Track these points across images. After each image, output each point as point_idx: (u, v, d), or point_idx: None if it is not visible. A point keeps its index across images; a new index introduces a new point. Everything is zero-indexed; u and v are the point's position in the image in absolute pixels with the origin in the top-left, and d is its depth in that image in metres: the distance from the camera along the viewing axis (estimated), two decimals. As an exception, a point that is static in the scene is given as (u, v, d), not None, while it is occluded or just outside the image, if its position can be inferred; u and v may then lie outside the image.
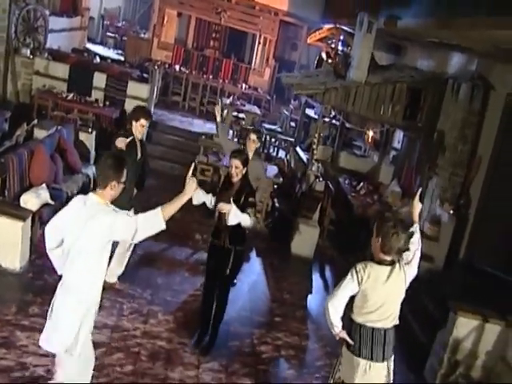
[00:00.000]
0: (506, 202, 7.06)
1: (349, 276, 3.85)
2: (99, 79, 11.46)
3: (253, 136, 6.45)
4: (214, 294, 5.30)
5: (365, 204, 9.24)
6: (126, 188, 5.22)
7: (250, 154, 6.17)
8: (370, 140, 11.37)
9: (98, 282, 3.74)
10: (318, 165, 9.58)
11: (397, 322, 4.01)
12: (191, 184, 3.73)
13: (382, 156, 11.17)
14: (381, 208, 8.91)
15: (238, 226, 5.02)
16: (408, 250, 3.86)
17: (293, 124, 13.92)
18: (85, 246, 3.57)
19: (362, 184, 10.13)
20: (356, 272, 3.83)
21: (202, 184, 9.61)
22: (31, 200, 6.21)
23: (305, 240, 8.19)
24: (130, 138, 5.61)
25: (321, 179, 9.03)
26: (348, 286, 3.85)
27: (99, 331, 5.12)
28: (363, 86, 8.41)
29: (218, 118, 6.87)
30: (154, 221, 3.59)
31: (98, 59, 12.83)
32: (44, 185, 6.60)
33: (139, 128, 5.65)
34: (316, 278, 7.87)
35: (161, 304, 5.91)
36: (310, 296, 7.24)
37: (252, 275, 7.09)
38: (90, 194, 3.71)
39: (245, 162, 5.10)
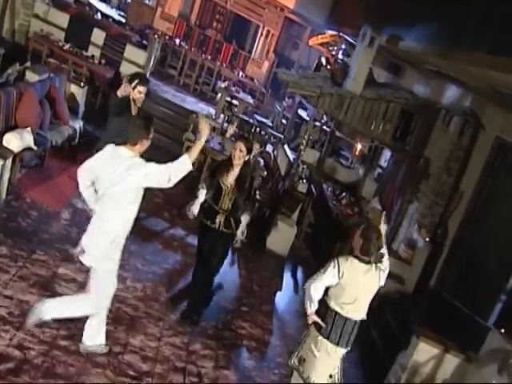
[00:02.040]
0: (481, 240, 7.24)
1: (331, 265, 4.30)
2: (98, 36, 11.40)
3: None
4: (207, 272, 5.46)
5: (345, 214, 9.39)
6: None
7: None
8: (357, 152, 11.55)
9: (129, 224, 4.30)
10: (303, 166, 9.71)
11: (365, 316, 4.48)
12: (205, 124, 4.23)
13: (368, 171, 11.33)
14: (360, 221, 9.08)
15: (236, 211, 5.20)
16: (381, 262, 4.41)
17: (284, 121, 14.00)
18: (121, 192, 4.11)
19: (344, 194, 10.29)
20: (338, 263, 4.29)
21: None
22: (14, 141, 6.12)
23: (281, 237, 8.28)
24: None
25: (304, 181, 9.15)
26: (329, 274, 4.29)
27: (67, 285, 5.14)
28: (357, 98, 8.53)
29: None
30: (183, 165, 4.10)
31: (99, 16, 12.68)
32: (29, 128, 6.51)
33: (137, 95, 5.63)
34: (287, 277, 7.97)
35: (131, 270, 5.91)
36: (278, 293, 7.33)
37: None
38: (122, 148, 4.17)
39: (249, 149, 5.24)
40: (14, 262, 5.06)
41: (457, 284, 7.37)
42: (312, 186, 9.58)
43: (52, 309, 4.27)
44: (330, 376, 4.47)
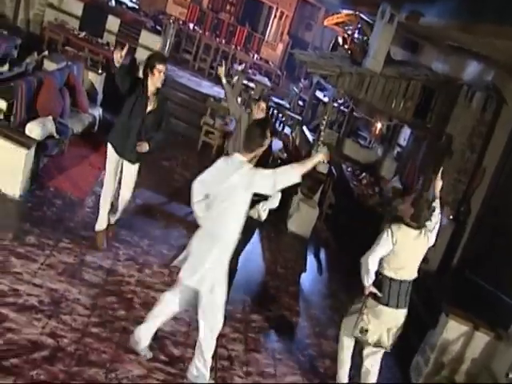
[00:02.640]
0: (504, 216, 7.14)
1: (385, 235, 4.49)
2: (113, 23, 11.30)
3: (262, 104, 6.04)
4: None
5: (365, 194, 9.27)
6: (127, 128, 5.21)
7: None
8: (377, 132, 11.36)
9: (238, 230, 4.13)
10: (324, 147, 9.55)
11: (416, 275, 4.69)
12: (323, 150, 4.30)
13: (387, 150, 11.18)
14: (381, 201, 8.96)
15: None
16: (430, 220, 4.55)
17: (300, 103, 13.84)
18: (233, 200, 4.01)
19: (364, 174, 10.15)
20: (392, 233, 4.48)
21: (205, 146, 9.74)
22: (36, 129, 6.08)
23: (303, 219, 8.20)
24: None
25: (325, 161, 8.99)
26: (384, 244, 4.48)
27: (94, 272, 5.11)
28: (378, 77, 8.40)
29: (224, 80, 6.71)
30: (290, 175, 3.99)
31: (113, 2, 12.54)
32: (50, 117, 6.47)
33: (157, 75, 5.17)
34: (310, 258, 7.91)
35: (157, 256, 5.87)
36: (303, 274, 7.28)
37: (248, 244, 7.10)
38: (236, 155, 4.11)
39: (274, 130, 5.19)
40: (42, 251, 5.03)
41: (480, 262, 7.26)
42: (332, 166, 9.44)
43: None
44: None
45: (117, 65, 5.11)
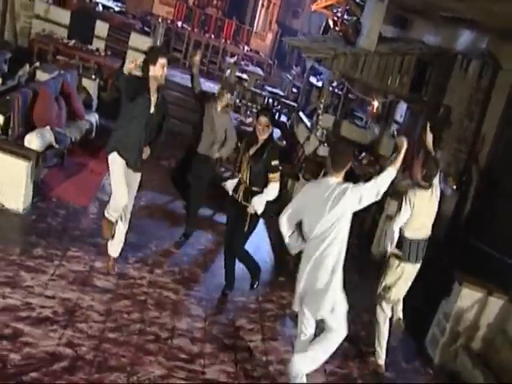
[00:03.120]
0: (505, 182, 7.11)
1: (404, 204, 4.82)
2: (101, 28, 11.14)
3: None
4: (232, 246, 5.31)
5: (367, 174, 9.14)
6: (134, 136, 4.78)
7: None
8: (374, 110, 11.23)
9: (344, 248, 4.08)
10: (323, 130, 9.46)
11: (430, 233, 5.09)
12: (403, 141, 4.14)
13: (384, 128, 11.04)
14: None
15: (255, 185, 5.05)
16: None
17: (294, 90, 13.71)
18: (336, 221, 3.91)
19: (363, 154, 10.03)
20: (409, 199, 4.81)
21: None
22: (36, 140, 6.01)
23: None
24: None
25: (325, 144, 8.91)
26: (405, 211, 4.83)
27: (105, 277, 5.04)
28: (372, 55, 8.30)
29: (195, 71, 5.94)
30: (389, 177, 3.98)
31: (100, 7, 12.42)
32: (48, 127, 6.39)
33: (159, 70, 4.63)
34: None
35: (166, 255, 5.80)
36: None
37: (255, 235, 7.00)
38: (328, 178, 4.02)
39: (273, 120, 5.06)
40: (51, 262, 4.96)
41: (484, 229, 7.24)
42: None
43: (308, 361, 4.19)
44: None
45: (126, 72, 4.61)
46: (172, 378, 4.10)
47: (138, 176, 5.05)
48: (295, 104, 12.25)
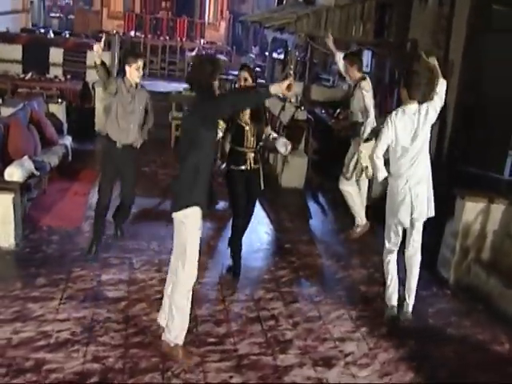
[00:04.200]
0: (480, 103, 7.13)
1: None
2: (56, 54, 10.84)
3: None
4: (246, 226, 5.26)
5: (346, 126, 8.96)
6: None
7: None
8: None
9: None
10: (298, 96, 9.27)
11: None
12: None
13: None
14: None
15: (260, 139, 5.06)
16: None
17: (258, 69, 13.48)
18: (425, 137, 4.45)
19: (338, 110, 9.83)
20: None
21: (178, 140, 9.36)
22: (17, 172, 5.73)
23: (294, 171, 8.01)
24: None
25: (302, 108, 8.71)
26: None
27: (115, 287, 4.83)
28: (333, 9, 8.14)
29: (98, 61, 4.89)
30: (443, 84, 4.56)
31: (51, 34, 12.05)
32: (26, 156, 6.12)
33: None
34: (311, 205, 7.78)
35: (169, 253, 5.42)
36: (310, 221, 7.14)
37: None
38: (409, 107, 4.44)
39: (253, 75, 5.03)
40: (56, 287, 4.71)
41: (465, 151, 7.25)
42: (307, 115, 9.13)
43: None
44: None
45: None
46: (206, 363, 3.92)
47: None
48: (263, 81, 12.03)
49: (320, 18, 8.10)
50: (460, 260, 5.55)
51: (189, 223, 3.75)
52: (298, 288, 5.16)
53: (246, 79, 4.94)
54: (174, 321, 3.84)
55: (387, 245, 4.71)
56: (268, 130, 5.16)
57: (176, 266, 3.89)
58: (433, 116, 4.46)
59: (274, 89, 3.49)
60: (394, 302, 4.72)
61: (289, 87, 3.45)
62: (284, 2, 10.86)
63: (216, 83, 3.78)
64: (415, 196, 4.45)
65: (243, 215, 5.15)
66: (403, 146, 4.44)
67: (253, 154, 5.04)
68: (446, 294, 5.43)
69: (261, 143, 5.11)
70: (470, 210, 5.50)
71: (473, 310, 5.13)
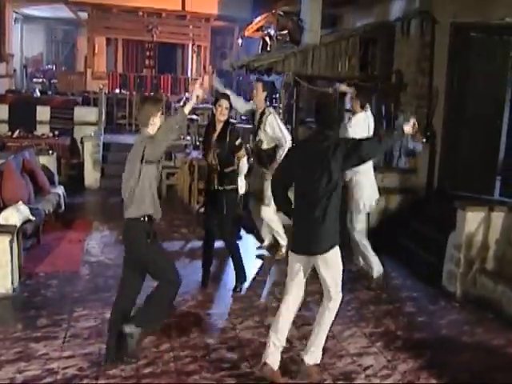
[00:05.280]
0: (466, 126, 7.43)
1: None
2: (43, 112, 10.92)
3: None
4: (213, 238, 5.53)
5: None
6: None
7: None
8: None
9: None
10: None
11: None
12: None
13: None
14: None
15: (226, 166, 5.22)
16: None
17: (243, 117, 13.76)
18: None
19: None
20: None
21: (171, 187, 9.47)
22: (12, 215, 5.62)
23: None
24: None
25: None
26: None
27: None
28: (319, 47, 8.44)
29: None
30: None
31: (38, 93, 12.26)
32: (21, 202, 6.07)
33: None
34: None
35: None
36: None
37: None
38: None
39: (230, 105, 5.30)
40: (59, 327, 4.59)
41: (454, 176, 7.53)
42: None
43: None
44: None
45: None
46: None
47: None
48: (250, 126, 12.24)
49: (307, 56, 8.38)
50: (465, 272, 5.61)
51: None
52: (307, 312, 5.03)
53: (227, 108, 5.22)
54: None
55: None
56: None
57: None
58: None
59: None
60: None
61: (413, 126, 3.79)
62: (268, 48, 11.24)
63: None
64: None
65: (209, 228, 5.55)
66: None
67: (217, 174, 5.29)
68: (455, 306, 5.50)
69: (225, 170, 5.29)
70: (472, 221, 5.60)
71: (483, 318, 5.18)
